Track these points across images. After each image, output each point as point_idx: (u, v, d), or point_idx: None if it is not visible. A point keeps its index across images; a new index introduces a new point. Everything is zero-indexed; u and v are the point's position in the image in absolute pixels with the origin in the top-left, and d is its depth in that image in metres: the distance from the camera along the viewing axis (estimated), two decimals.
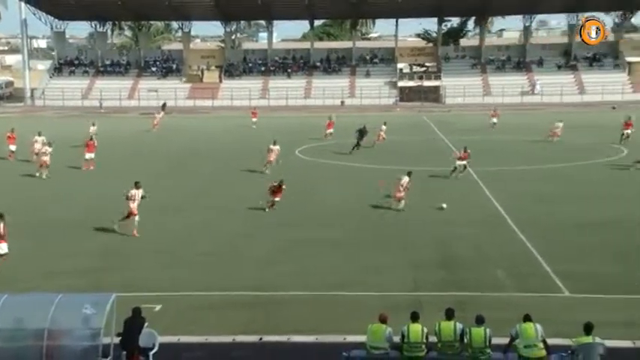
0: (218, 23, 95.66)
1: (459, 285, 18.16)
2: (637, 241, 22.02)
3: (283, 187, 26.80)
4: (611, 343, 12.93)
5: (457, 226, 24.41)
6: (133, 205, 23.46)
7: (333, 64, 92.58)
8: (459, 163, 33.14)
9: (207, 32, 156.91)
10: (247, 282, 18.65)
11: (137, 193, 23.69)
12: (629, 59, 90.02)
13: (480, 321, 12.82)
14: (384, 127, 45.71)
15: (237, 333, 15.32)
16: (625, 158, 38.50)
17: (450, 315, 12.98)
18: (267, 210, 26.48)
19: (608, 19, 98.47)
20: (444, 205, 26.45)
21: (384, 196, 27.39)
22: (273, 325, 15.81)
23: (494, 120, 54.38)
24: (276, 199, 26.60)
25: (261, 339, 15.11)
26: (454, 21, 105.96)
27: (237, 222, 25.63)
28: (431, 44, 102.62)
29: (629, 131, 43.29)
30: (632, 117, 44.65)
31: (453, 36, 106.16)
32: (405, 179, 26.73)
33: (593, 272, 19.04)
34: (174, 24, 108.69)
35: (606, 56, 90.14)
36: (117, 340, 13.22)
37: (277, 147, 36.27)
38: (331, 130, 48.92)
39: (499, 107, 61.45)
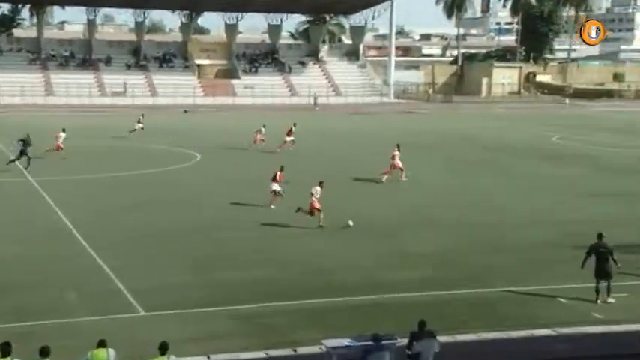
0: None
1: (18, 314, 17.11)
2: (206, 251, 23.20)
3: None
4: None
5: (14, 245, 23.09)
6: None
7: None
8: (274, 187, 29.75)
9: None
10: None
11: None
12: (198, 61, 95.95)
13: (44, 354, 12.23)
14: (62, 135, 41.91)
15: None
16: (198, 163, 40.76)
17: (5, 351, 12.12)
18: None
19: (175, 18, 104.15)
20: (351, 223, 25.80)
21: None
22: None
23: (141, 126, 52.60)
24: None
25: None
26: (5, 7, 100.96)
27: None
28: None
29: (292, 138, 45.85)
30: (295, 124, 47.42)
31: (5, 25, 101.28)
32: (318, 189, 26.81)
33: (168, 285, 19.56)
34: None
35: (176, 57, 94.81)
36: None
37: None
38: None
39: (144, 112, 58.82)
